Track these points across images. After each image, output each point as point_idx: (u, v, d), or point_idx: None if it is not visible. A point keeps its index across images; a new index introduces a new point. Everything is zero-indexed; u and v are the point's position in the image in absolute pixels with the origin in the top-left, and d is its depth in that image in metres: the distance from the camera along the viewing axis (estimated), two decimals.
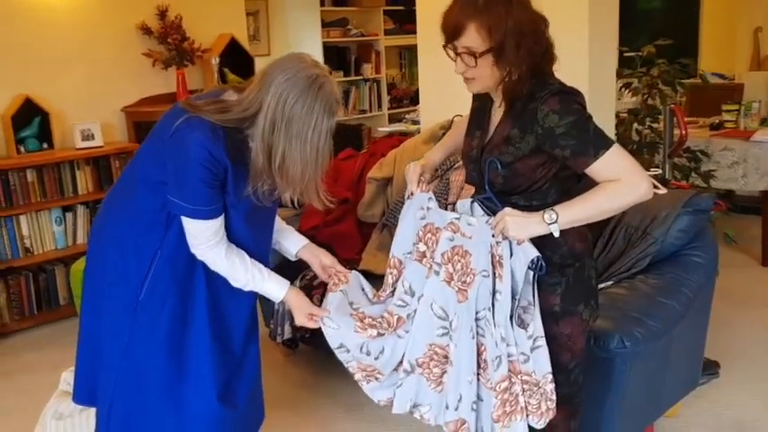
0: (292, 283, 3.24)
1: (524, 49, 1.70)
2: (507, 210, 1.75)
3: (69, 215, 4.44)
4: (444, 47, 1.79)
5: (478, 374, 1.86)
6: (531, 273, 1.77)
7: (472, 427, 1.86)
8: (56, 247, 4.39)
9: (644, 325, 2.36)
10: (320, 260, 2.19)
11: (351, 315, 2.02)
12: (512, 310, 1.78)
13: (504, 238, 1.76)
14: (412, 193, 1.98)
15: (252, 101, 1.85)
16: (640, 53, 4.60)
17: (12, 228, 4.20)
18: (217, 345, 2.06)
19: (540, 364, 1.80)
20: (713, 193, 4.04)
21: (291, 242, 2.24)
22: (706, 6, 6.91)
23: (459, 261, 1.86)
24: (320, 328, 3.11)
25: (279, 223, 2.23)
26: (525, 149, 1.76)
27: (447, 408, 1.91)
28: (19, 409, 3.31)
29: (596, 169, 1.70)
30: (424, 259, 1.96)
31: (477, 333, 1.84)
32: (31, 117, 4.30)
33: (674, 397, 2.81)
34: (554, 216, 1.71)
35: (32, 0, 4.37)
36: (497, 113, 1.88)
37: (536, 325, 1.79)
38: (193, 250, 1.97)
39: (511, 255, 1.77)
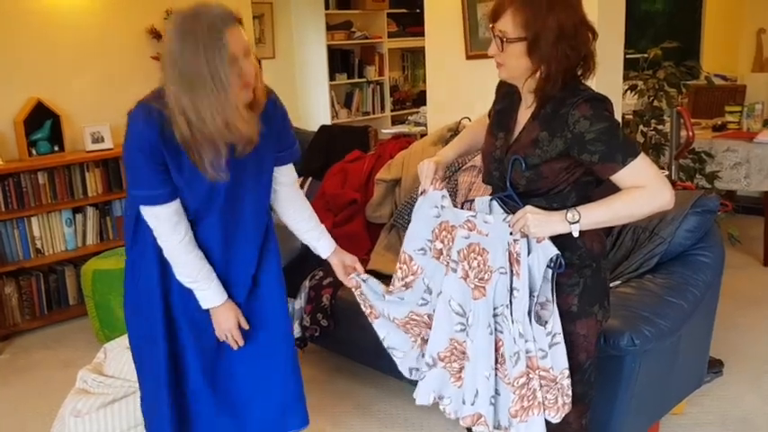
0: (302, 282, 3.32)
1: (560, 50, 1.72)
2: (529, 207, 1.77)
3: (79, 216, 4.49)
4: (490, 27, 1.82)
5: (496, 369, 1.89)
6: (551, 271, 1.79)
7: (489, 421, 1.90)
8: (66, 249, 4.44)
9: (653, 324, 2.39)
10: (343, 261, 2.25)
11: (405, 334, 2.09)
12: (530, 307, 1.79)
13: (524, 235, 1.78)
14: (425, 191, 1.99)
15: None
16: (645, 55, 4.63)
17: (23, 229, 4.25)
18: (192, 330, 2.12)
19: (558, 361, 1.82)
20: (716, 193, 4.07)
21: (322, 247, 2.28)
22: (709, 8, 6.90)
23: (476, 258, 1.88)
24: (329, 327, 3.17)
25: (310, 221, 2.28)
26: (552, 153, 1.78)
27: (464, 402, 1.95)
28: (29, 406, 3.35)
29: (622, 176, 1.73)
30: (441, 257, 1.99)
31: (496, 329, 1.87)
32: (42, 120, 4.35)
33: (681, 394, 2.85)
34: (576, 216, 1.73)
35: (43, 5, 4.42)
36: (525, 114, 1.89)
37: (554, 321, 1.81)
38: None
39: (529, 252, 1.79)
